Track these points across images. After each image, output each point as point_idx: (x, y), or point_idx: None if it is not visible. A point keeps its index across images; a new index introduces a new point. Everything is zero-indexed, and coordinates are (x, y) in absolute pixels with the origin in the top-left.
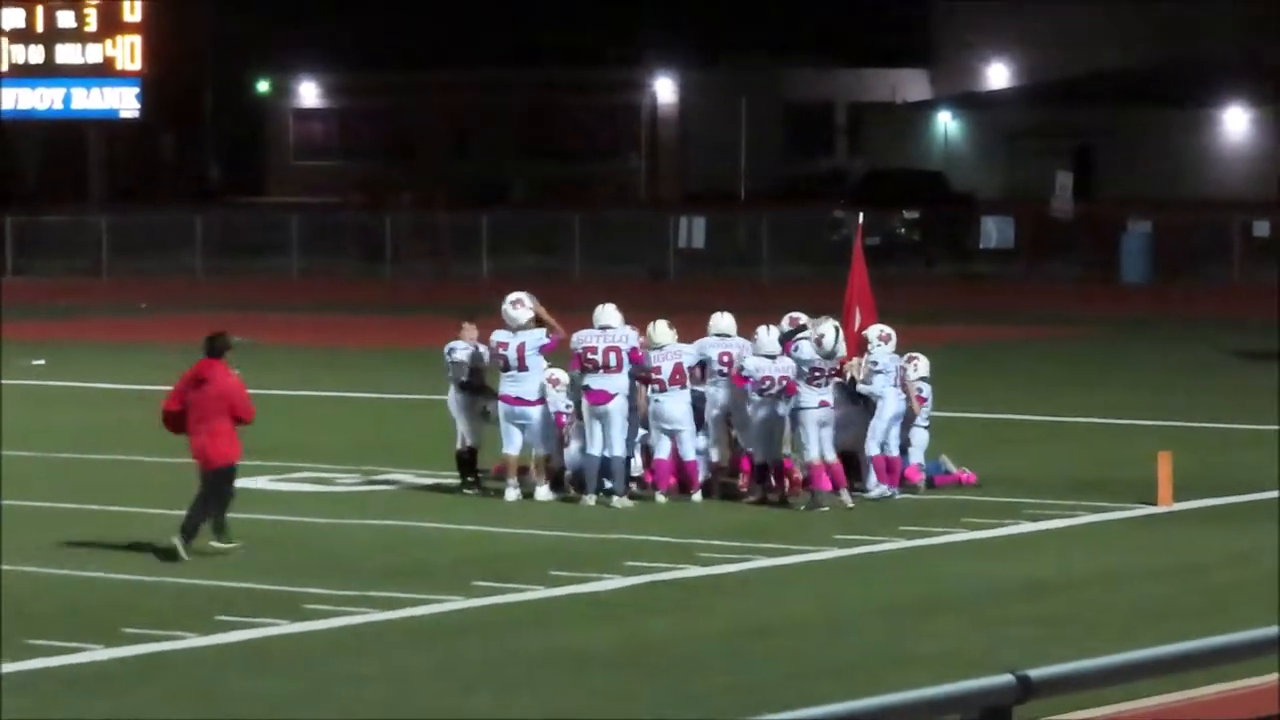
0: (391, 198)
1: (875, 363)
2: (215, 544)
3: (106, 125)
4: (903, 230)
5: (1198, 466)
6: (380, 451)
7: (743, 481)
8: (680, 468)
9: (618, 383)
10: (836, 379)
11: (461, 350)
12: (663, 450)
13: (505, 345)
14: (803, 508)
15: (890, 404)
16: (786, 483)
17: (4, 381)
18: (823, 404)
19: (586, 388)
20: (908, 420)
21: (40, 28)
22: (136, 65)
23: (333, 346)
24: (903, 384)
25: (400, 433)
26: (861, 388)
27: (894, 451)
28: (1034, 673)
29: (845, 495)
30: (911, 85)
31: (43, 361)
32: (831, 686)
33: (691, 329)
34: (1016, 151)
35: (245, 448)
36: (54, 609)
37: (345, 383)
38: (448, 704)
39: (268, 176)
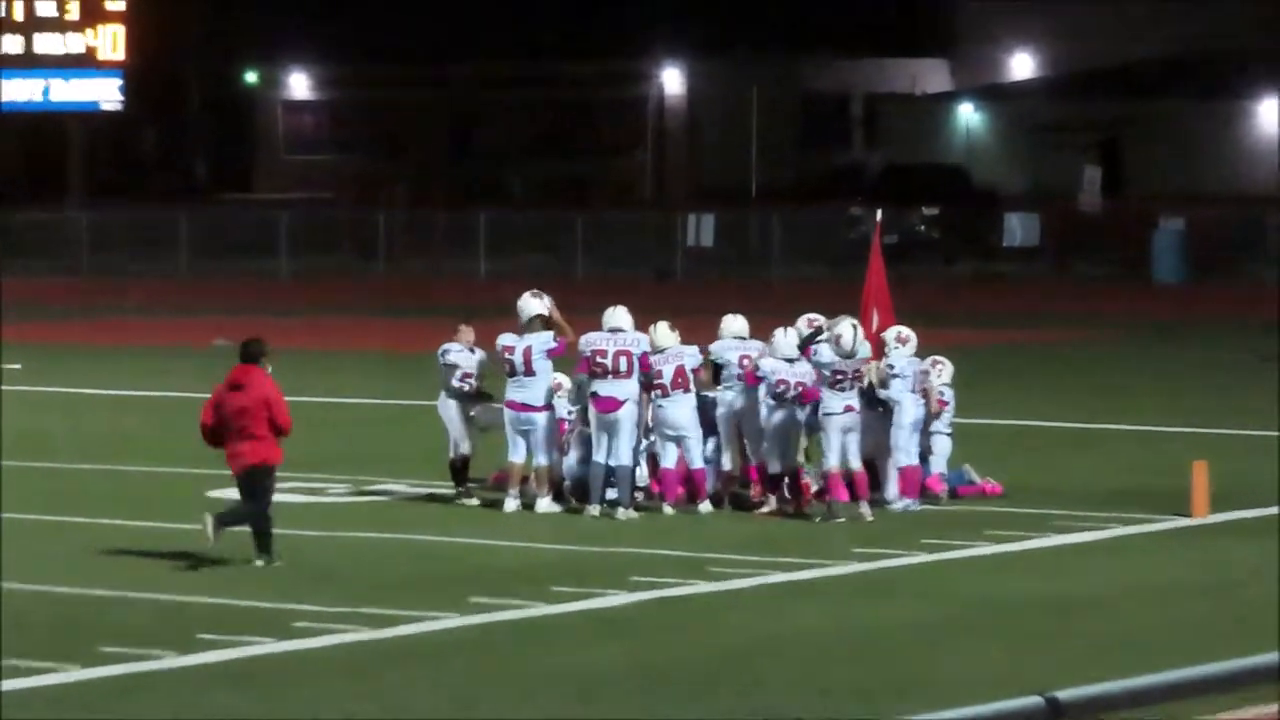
0: (386, 194)
1: (892, 366)
2: (209, 534)
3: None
4: (922, 228)
5: (1235, 476)
6: (373, 460)
7: (755, 491)
8: (688, 477)
9: (628, 389)
10: (860, 382)
11: (455, 353)
12: (669, 459)
13: (511, 349)
14: (819, 519)
15: (908, 410)
16: (802, 493)
17: None
18: (848, 409)
19: (594, 394)
20: (925, 424)
21: (20, 16)
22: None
23: (324, 350)
24: (923, 390)
25: (394, 441)
26: (879, 393)
27: (913, 460)
28: (1063, 694)
29: (865, 507)
30: (932, 76)
31: (18, 366)
32: (850, 709)
33: (700, 332)
34: (1042, 145)
35: (223, 456)
36: (27, 625)
37: (337, 388)
38: None
39: (256, 172)
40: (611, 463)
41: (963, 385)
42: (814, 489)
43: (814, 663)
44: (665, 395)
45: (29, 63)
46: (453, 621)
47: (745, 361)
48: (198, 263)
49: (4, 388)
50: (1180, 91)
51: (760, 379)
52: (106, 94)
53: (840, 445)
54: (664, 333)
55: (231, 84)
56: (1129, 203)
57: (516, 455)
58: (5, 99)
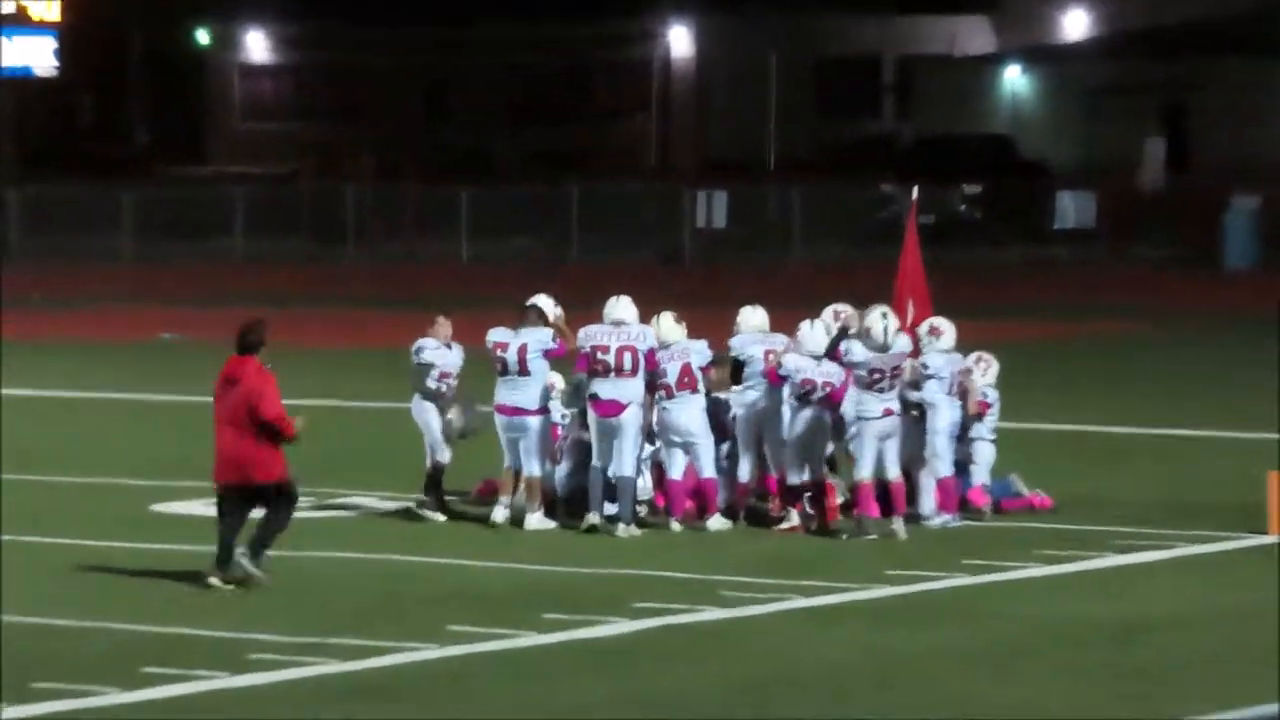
0: (353, 168)
1: (925, 365)
2: (249, 567)
3: (18, 84)
4: (963, 207)
5: None
6: (339, 471)
7: (774, 505)
8: (697, 489)
9: (631, 390)
10: (900, 380)
11: (431, 350)
12: (676, 468)
13: (504, 346)
14: (846, 537)
15: (944, 414)
16: (828, 507)
17: None
18: (887, 413)
19: (594, 396)
20: (965, 429)
21: None
22: (54, 15)
23: (282, 344)
24: (961, 390)
25: (363, 449)
26: (911, 395)
27: (950, 471)
28: None
29: (899, 524)
30: (973, 35)
31: None
32: None
33: (710, 325)
34: (1097, 113)
35: (175, 464)
36: None
37: (297, 388)
38: None
39: (208, 143)
40: (612, 473)
41: (1008, 385)
42: (841, 502)
43: (839, 698)
44: (670, 396)
45: None
46: (430, 653)
47: (771, 357)
48: (142, 245)
49: None
50: (1255, 50)
51: (784, 378)
52: (40, 57)
53: (875, 454)
54: (669, 326)
55: (180, 44)
56: (1196, 179)
57: (511, 461)
58: None
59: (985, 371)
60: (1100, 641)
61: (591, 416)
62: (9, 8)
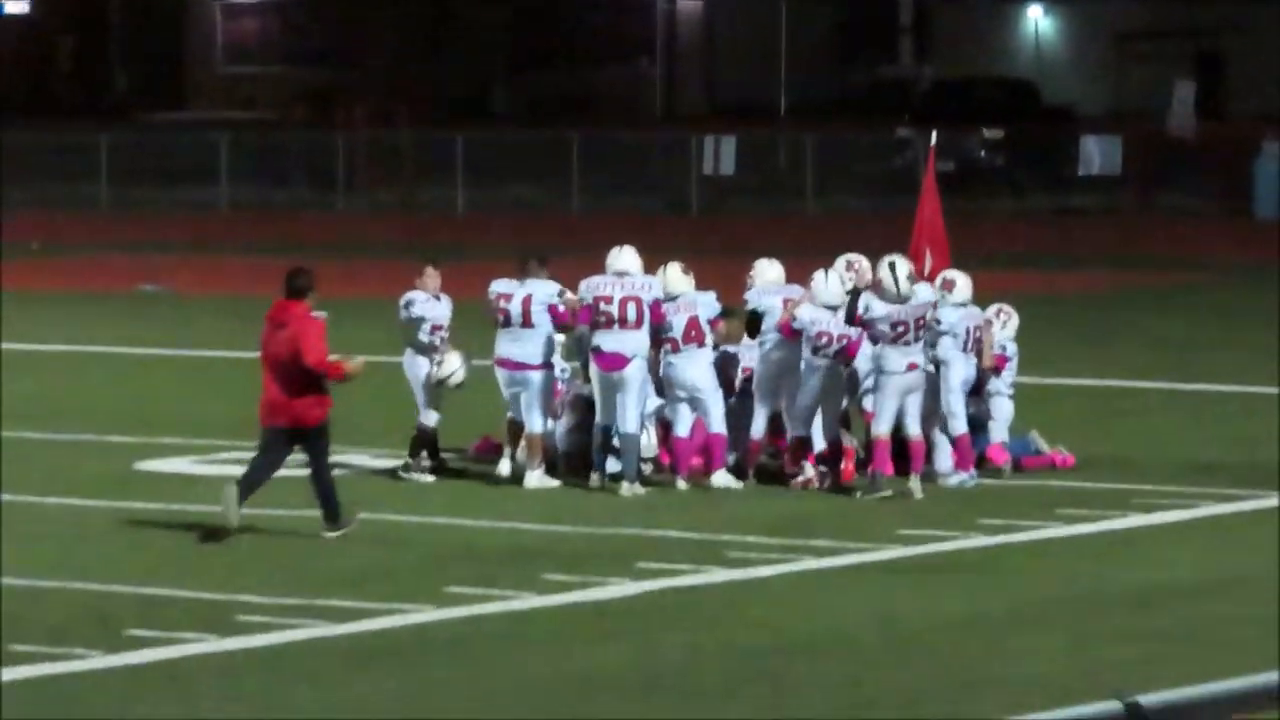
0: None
1: (939, 321)
2: (329, 533)
3: None
4: (983, 154)
5: None
6: (331, 427)
7: (786, 462)
8: (704, 445)
9: (635, 342)
10: (923, 331)
11: (421, 303)
12: (682, 425)
13: (508, 297)
14: (860, 494)
15: (958, 370)
16: (843, 465)
17: None
18: (911, 367)
19: (596, 349)
20: (978, 385)
21: None
22: None
23: (269, 296)
24: (979, 346)
25: (353, 404)
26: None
27: (965, 428)
28: (1146, 699)
29: (915, 482)
30: None
31: None
32: (892, 717)
33: (719, 276)
34: (1125, 55)
35: (159, 421)
36: None
37: None
38: None
39: (189, 87)
40: (615, 429)
41: (1030, 338)
42: (856, 458)
43: (850, 663)
44: (677, 350)
45: None
46: (426, 616)
47: (789, 305)
48: (121, 193)
49: None
50: None
51: (798, 332)
52: None
53: (896, 410)
54: (676, 277)
55: None
56: (1228, 124)
57: (514, 413)
58: None
59: (1005, 324)
60: (1121, 605)
61: (594, 370)
62: None
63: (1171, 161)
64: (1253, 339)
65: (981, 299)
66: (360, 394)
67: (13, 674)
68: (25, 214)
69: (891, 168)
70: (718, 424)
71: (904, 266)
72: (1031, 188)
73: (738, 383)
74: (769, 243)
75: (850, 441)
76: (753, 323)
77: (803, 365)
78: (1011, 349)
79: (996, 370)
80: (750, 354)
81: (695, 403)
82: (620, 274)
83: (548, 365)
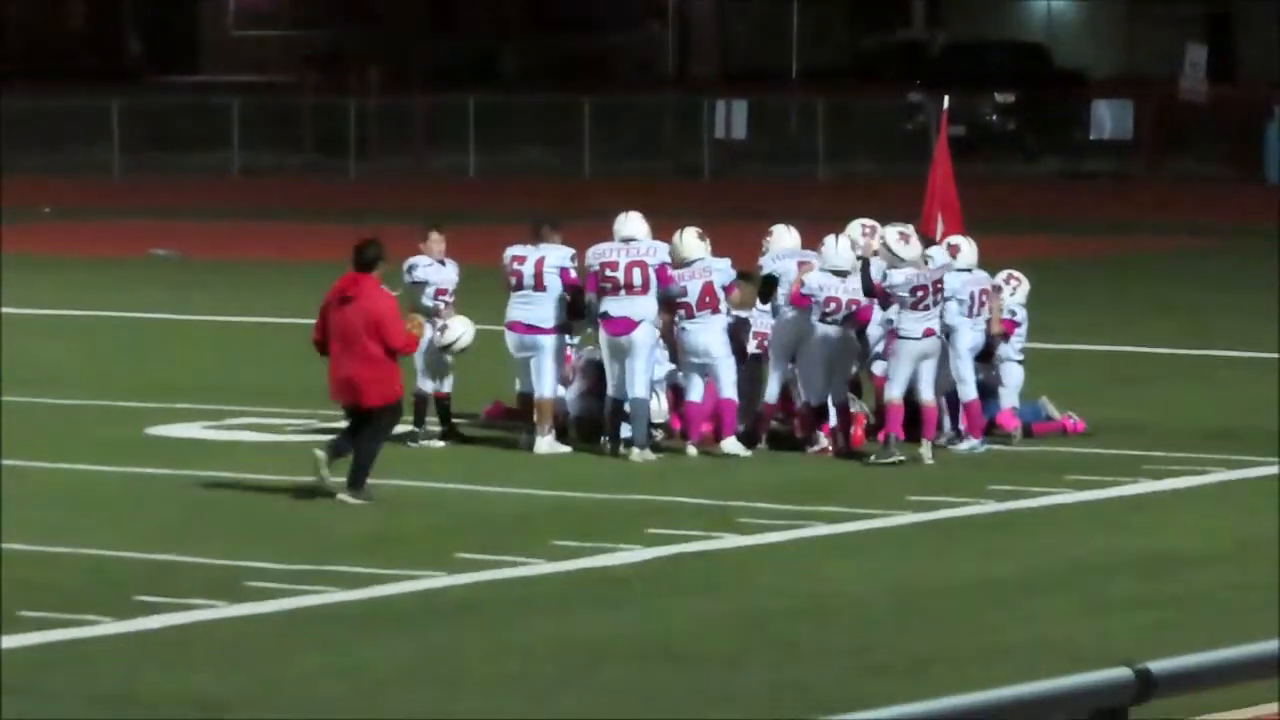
0: (355, 77)
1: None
2: (347, 497)
3: None
4: (994, 118)
5: None
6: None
7: (796, 427)
8: (715, 410)
9: (642, 307)
10: (941, 295)
11: (424, 267)
12: (695, 391)
13: (521, 259)
14: (872, 458)
15: (965, 336)
16: (853, 430)
17: None
18: (928, 333)
19: (604, 314)
20: (988, 351)
21: None
22: None
23: (281, 261)
24: (989, 311)
25: None
26: None
27: (974, 394)
28: (1155, 666)
29: (926, 448)
30: None
31: None
32: (902, 684)
33: (731, 241)
34: (1137, 19)
35: (170, 386)
36: None
37: (296, 306)
38: (424, 706)
39: (202, 50)
40: (624, 395)
41: (1041, 304)
42: (866, 424)
43: (860, 629)
44: (691, 316)
45: None
46: (436, 581)
47: (804, 268)
48: (132, 157)
49: None
50: None
51: (807, 297)
52: None
53: (910, 375)
54: (692, 242)
55: None
56: (1240, 88)
57: (523, 386)
58: None
59: (1015, 290)
60: (1131, 571)
61: (602, 336)
62: None
63: (1183, 126)
64: (1264, 304)
65: (992, 264)
66: None
67: (23, 640)
68: (36, 179)
69: (903, 132)
70: (729, 390)
71: (903, 233)
72: (1043, 152)
73: (750, 348)
74: (780, 207)
75: (860, 407)
76: (766, 287)
77: (813, 332)
78: (1021, 314)
79: (1006, 336)
80: (762, 319)
81: (708, 368)
82: (627, 240)
83: (559, 329)
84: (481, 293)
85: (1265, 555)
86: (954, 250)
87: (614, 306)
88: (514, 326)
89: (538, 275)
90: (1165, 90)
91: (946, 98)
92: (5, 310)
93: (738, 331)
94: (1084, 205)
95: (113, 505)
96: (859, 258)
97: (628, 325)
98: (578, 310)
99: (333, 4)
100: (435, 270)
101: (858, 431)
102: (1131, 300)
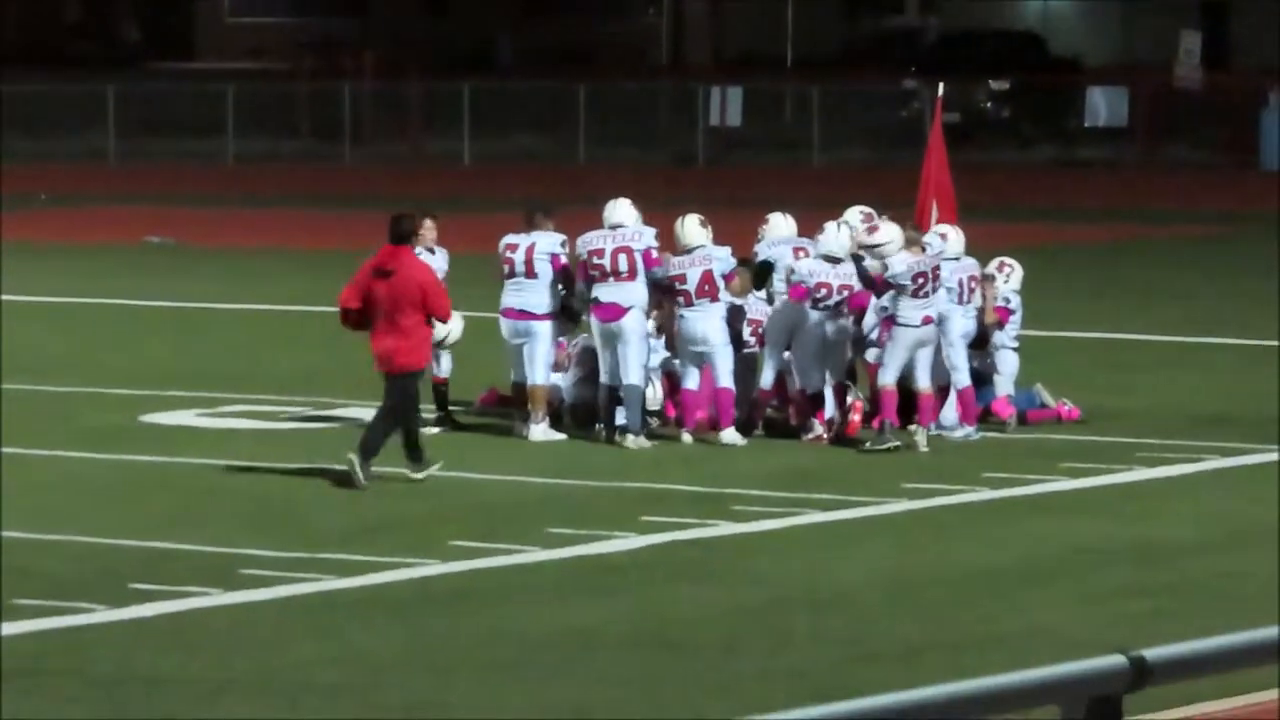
0: (351, 63)
1: None
2: (414, 474)
3: None
4: (989, 105)
5: None
6: (334, 379)
7: (792, 414)
8: (714, 400)
9: (631, 293)
10: (938, 282)
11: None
12: (692, 379)
13: (514, 247)
14: (867, 444)
15: (957, 323)
16: (849, 418)
17: None
18: (926, 321)
19: (595, 301)
20: (982, 339)
21: None
22: None
23: (276, 247)
24: (983, 298)
25: (358, 356)
26: None
27: (968, 381)
28: (1150, 654)
29: (921, 435)
30: None
31: None
32: (897, 671)
33: (725, 228)
34: (1131, 6)
35: (164, 373)
36: None
37: (292, 294)
38: (418, 694)
39: (197, 37)
40: (618, 382)
41: (1036, 291)
42: (862, 412)
43: (854, 617)
44: (690, 304)
45: None
46: (430, 569)
47: (801, 255)
48: (128, 144)
49: None
50: None
51: (799, 284)
52: None
53: (905, 362)
54: (694, 229)
55: None
56: (1234, 75)
57: (517, 375)
58: None
59: (1009, 277)
60: (1125, 559)
61: (593, 323)
62: None
63: (1177, 113)
64: (1259, 291)
65: (987, 251)
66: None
67: (17, 628)
68: (32, 165)
69: (898, 119)
70: (726, 379)
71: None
72: (1037, 139)
73: (745, 335)
74: (775, 194)
75: (856, 396)
76: (760, 274)
77: (807, 318)
78: (1015, 302)
79: (1000, 324)
80: (758, 307)
81: (705, 357)
82: (614, 227)
83: (552, 315)
84: (475, 281)
85: (1260, 542)
86: (941, 238)
87: (603, 293)
88: (507, 313)
89: (528, 262)
90: (1160, 77)
91: (941, 85)
92: (3, 297)
93: (733, 319)
94: (1078, 192)
95: (107, 493)
96: (855, 257)
97: (617, 311)
98: (571, 314)
99: None
100: (427, 259)
101: (854, 419)
102: (1126, 287)
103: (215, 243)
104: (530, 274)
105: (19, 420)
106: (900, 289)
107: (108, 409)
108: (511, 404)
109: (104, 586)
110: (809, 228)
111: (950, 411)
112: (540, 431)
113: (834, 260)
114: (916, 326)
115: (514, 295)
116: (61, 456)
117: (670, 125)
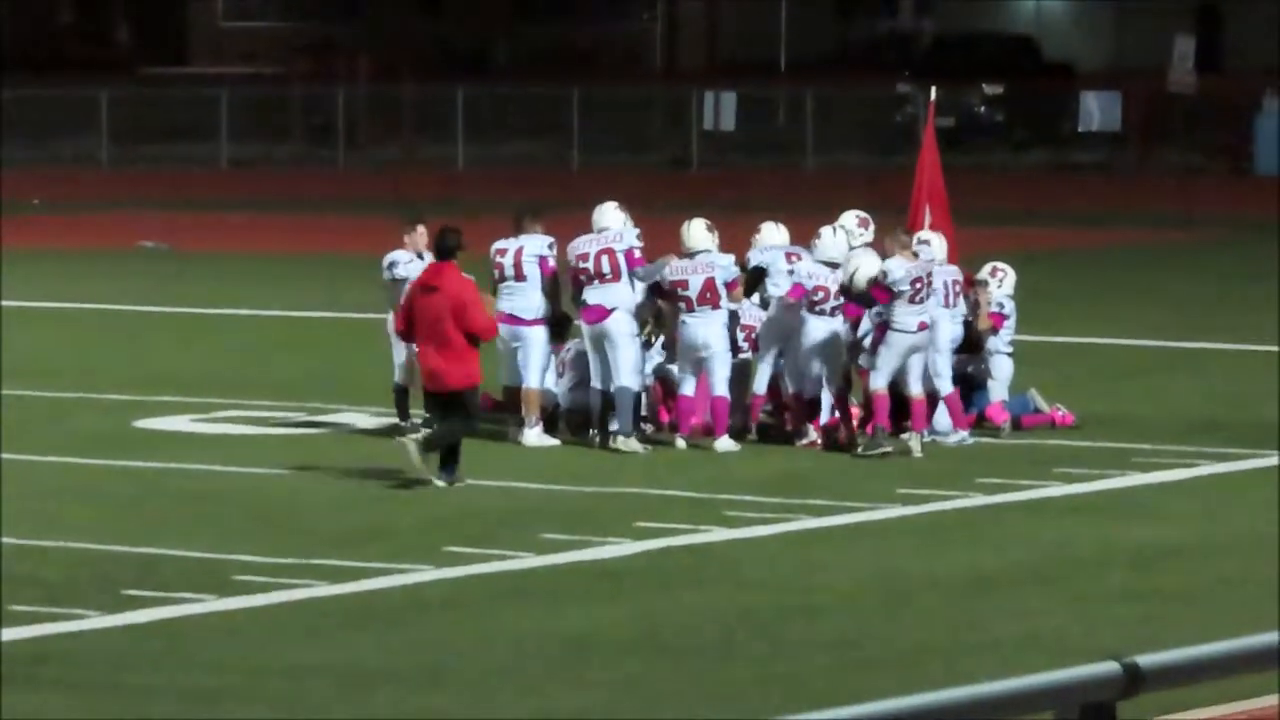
0: (344, 67)
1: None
2: (438, 480)
3: None
4: (983, 109)
5: None
6: (327, 385)
7: (785, 420)
8: (710, 406)
9: (616, 294)
10: (931, 287)
11: (405, 264)
12: (688, 385)
13: (503, 251)
14: (860, 449)
15: (944, 329)
16: (843, 423)
17: None
18: (922, 327)
19: (583, 304)
20: (975, 344)
21: None
22: None
23: (269, 253)
24: (974, 303)
25: (353, 361)
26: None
27: (951, 387)
28: (1144, 660)
29: (915, 440)
30: None
31: None
32: (890, 677)
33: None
34: (1125, 10)
35: (158, 378)
36: None
37: (286, 298)
38: (411, 700)
39: (190, 41)
40: (609, 386)
41: (1030, 296)
42: (859, 418)
43: (849, 622)
44: (691, 310)
45: None
46: (424, 575)
47: (794, 260)
48: (121, 149)
49: None
50: None
51: (801, 287)
52: None
53: (898, 367)
54: (699, 234)
55: None
56: (1228, 80)
57: (509, 379)
58: None
59: (1001, 282)
60: (1119, 565)
61: (582, 326)
62: None
63: (1171, 118)
64: (1253, 296)
65: (981, 256)
66: (359, 353)
67: (11, 633)
68: (25, 170)
69: (891, 123)
70: (722, 387)
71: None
72: (1031, 144)
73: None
74: (769, 199)
75: (852, 402)
76: (753, 279)
77: (804, 323)
78: (1009, 307)
79: (994, 329)
80: (751, 312)
81: (704, 363)
82: (600, 231)
83: (542, 321)
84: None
85: (1254, 548)
86: (925, 244)
87: (590, 296)
88: (499, 318)
89: (517, 265)
90: (1154, 82)
91: (934, 89)
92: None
93: (729, 325)
94: (1072, 197)
95: (100, 498)
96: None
97: (601, 313)
98: (561, 331)
99: None
100: (415, 267)
101: (854, 424)
102: (1120, 292)
103: (209, 247)
104: (519, 277)
105: (12, 425)
106: (900, 295)
107: (101, 414)
108: (505, 409)
109: (97, 592)
110: (803, 232)
111: (944, 417)
112: (534, 436)
113: (832, 265)
114: (913, 332)
115: (505, 300)
116: (55, 462)
117: (664, 130)
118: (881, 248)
